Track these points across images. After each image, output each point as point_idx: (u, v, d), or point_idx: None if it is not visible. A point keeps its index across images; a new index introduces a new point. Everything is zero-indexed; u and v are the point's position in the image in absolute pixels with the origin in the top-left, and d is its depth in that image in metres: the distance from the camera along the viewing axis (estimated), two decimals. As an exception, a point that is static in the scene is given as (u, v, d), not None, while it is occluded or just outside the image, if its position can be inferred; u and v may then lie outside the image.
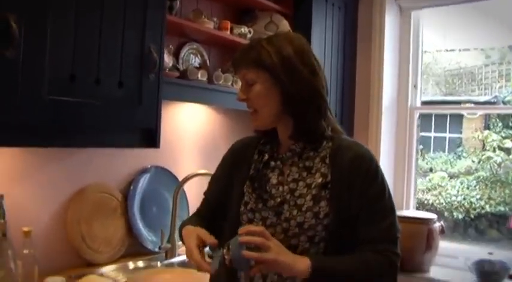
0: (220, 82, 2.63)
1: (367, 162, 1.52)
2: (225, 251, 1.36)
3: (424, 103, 3.77)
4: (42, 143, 1.81)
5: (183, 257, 2.58)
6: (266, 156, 1.62)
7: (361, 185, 1.48)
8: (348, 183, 1.49)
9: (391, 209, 1.53)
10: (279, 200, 1.53)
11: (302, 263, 1.38)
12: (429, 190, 4.34)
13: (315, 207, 1.48)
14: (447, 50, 4.13)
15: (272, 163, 1.60)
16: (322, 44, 3.16)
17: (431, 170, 4.60)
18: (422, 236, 3.11)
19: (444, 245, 3.30)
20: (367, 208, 1.49)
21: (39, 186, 2.20)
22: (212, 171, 2.59)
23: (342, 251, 1.47)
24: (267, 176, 1.58)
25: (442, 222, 3.23)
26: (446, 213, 4.04)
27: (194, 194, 2.90)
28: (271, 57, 1.50)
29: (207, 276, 2.02)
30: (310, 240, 1.48)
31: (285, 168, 1.57)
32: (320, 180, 1.51)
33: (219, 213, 1.68)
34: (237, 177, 1.65)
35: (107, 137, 1.98)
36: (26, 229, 1.84)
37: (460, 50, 4.18)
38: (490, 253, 3.10)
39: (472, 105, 3.67)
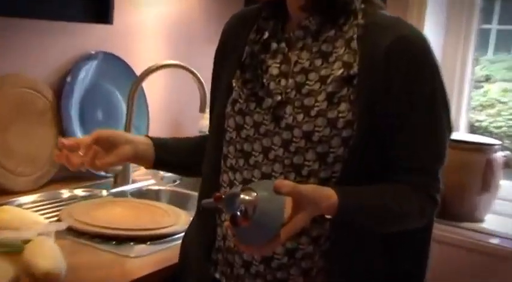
0: None
1: (415, 48, 1.48)
2: (243, 194, 1.30)
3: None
4: None
5: (140, 184, 2.71)
6: (266, 35, 1.59)
7: (403, 82, 1.46)
8: (384, 78, 1.46)
9: (444, 123, 1.53)
10: (279, 98, 1.51)
11: (327, 209, 1.38)
12: (483, 108, 4.28)
13: (331, 111, 1.45)
14: None
15: (274, 45, 1.57)
16: None
17: (488, 79, 4.52)
18: (477, 169, 3.02)
19: (507, 186, 3.24)
20: (408, 119, 1.48)
21: None
22: (185, 62, 2.58)
23: (364, 177, 1.48)
24: (265, 63, 1.57)
25: (507, 152, 3.12)
26: (507, 141, 3.98)
27: (158, 94, 2.99)
28: None
29: (172, 209, 2.30)
30: (320, 160, 1.47)
31: (291, 54, 1.54)
32: (341, 71, 1.47)
33: None
34: (225, 65, 1.67)
35: (36, 4, 1.89)
36: None
37: None
38: None
39: None
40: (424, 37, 1.52)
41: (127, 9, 2.71)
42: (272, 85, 1.53)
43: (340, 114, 1.45)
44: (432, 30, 3.41)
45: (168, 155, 1.75)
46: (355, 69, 1.47)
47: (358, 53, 1.48)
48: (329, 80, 1.48)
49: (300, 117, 1.47)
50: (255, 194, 1.29)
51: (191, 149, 1.78)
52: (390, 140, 1.48)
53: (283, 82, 1.52)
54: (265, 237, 1.29)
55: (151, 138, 1.74)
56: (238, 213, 1.27)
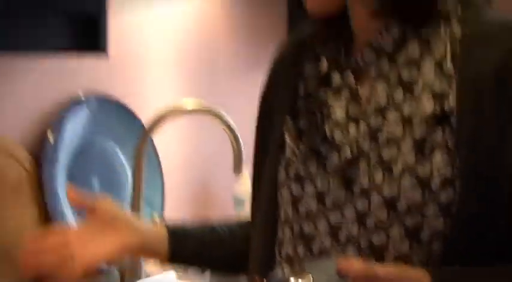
0: None
1: None
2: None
3: None
4: None
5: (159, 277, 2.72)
6: (325, 64, 1.59)
7: None
8: (496, 112, 1.42)
9: None
10: (349, 153, 1.48)
11: None
12: None
13: (423, 164, 1.40)
14: None
15: (336, 77, 1.55)
16: None
17: None
18: None
19: None
20: None
21: None
22: (210, 105, 2.58)
23: (476, 261, 1.39)
24: (326, 105, 1.54)
25: None
26: None
27: (175, 152, 3.04)
28: None
29: None
30: (411, 237, 1.40)
31: (361, 88, 1.52)
32: (431, 106, 1.43)
33: None
34: (274, 111, 1.66)
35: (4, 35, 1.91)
36: None
37: None
38: None
39: None
40: None
41: (124, 33, 2.77)
42: (338, 135, 1.51)
43: (435, 169, 1.41)
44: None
45: (189, 248, 1.74)
46: (451, 102, 1.43)
47: (455, 78, 1.45)
48: (416, 120, 1.45)
49: (379, 176, 1.44)
50: (311, 278, 1.28)
51: (225, 238, 1.78)
52: None
53: (352, 129, 1.50)
54: None
55: (167, 227, 1.73)
56: None
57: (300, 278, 1.26)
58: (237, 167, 2.60)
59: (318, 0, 1.54)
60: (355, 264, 1.28)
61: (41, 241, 1.60)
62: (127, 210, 2.59)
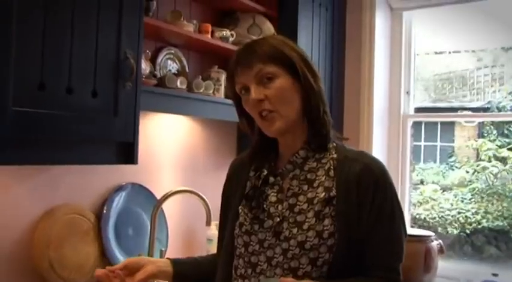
0: (201, 90, 2.59)
1: (377, 174, 1.53)
2: None
3: (415, 110, 3.76)
4: (6, 160, 1.74)
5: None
6: (265, 172, 1.63)
7: (371, 206, 1.49)
8: (356, 199, 1.50)
9: (401, 231, 1.55)
10: (278, 219, 1.53)
11: None
12: (421, 204, 4.31)
13: (318, 225, 1.48)
14: (436, 53, 4.12)
15: (271, 179, 1.61)
16: (309, 47, 3.16)
17: (422, 182, 4.58)
18: (419, 255, 3.07)
19: (442, 265, 3.27)
20: (375, 229, 1.50)
21: (2, 208, 2.14)
22: (193, 188, 2.58)
23: (345, 275, 1.49)
24: (265, 193, 1.59)
25: (440, 241, 3.16)
26: (439, 229, 4.00)
27: (174, 213, 2.92)
28: (290, 50, 1.53)
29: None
30: (312, 263, 1.48)
31: (284, 184, 1.58)
32: (323, 194, 1.51)
33: None
34: (232, 197, 1.69)
35: (79, 152, 1.94)
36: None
37: (450, 52, 4.17)
38: (495, 274, 3.06)
39: (469, 112, 3.64)
40: (383, 167, 1.57)
41: (146, 148, 2.70)
42: (272, 209, 1.56)
43: (325, 228, 1.48)
44: (378, 154, 3.50)
45: (183, 269, 1.71)
46: (333, 192, 1.52)
47: (335, 179, 1.53)
48: (315, 201, 1.51)
49: (295, 230, 1.50)
50: None
51: (204, 264, 1.77)
52: (363, 246, 1.49)
53: (280, 207, 1.55)
54: None
55: (170, 259, 1.71)
56: None
57: None
58: (208, 221, 2.58)
59: (280, 125, 1.52)
60: (289, 279, 1.37)
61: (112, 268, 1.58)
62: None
